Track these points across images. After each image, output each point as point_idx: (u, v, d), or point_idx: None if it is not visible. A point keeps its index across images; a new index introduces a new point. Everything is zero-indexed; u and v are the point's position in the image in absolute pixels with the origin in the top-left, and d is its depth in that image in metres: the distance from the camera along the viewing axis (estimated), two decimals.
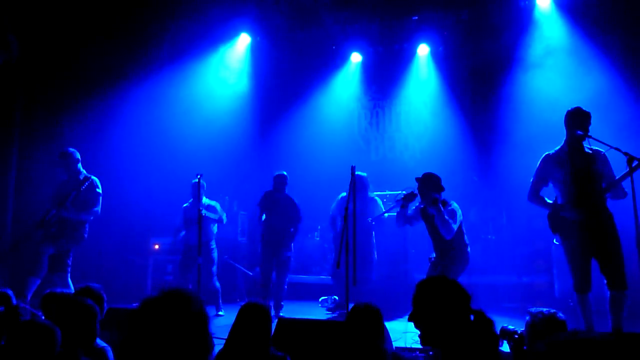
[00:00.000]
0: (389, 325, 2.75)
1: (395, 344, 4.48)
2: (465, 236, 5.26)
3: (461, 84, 9.07)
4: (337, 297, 6.90)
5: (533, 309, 2.62)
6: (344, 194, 6.98)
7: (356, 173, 6.75)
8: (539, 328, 2.50)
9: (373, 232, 7.04)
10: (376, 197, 7.16)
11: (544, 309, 2.59)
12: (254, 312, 2.88)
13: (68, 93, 7.56)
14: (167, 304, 1.53)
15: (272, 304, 6.74)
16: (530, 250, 7.38)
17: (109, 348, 2.92)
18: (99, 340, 2.97)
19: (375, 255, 7.04)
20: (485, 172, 8.12)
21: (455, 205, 5.15)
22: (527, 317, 2.61)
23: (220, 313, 6.89)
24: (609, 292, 4.26)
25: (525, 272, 7.27)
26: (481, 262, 7.97)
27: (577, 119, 4.44)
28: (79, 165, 5.88)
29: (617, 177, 4.33)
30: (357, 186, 6.52)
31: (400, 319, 6.26)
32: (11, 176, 7.33)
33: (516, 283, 7.26)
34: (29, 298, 5.33)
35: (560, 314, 2.57)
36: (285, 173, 7.05)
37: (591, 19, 7.51)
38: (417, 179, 5.24)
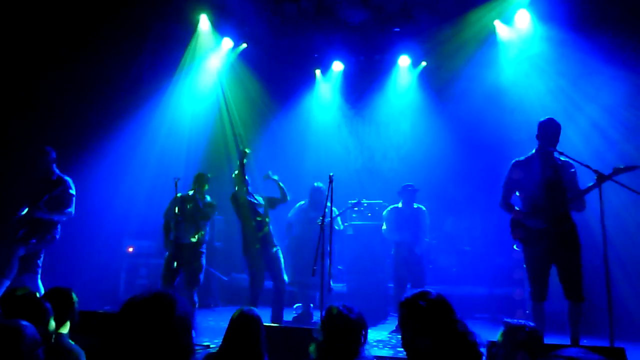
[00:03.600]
0: None
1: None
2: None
3: (441, 95, 9.18)
4: (300, 305, 6.77)
5: (513, 321, 2.68)
6: (302, 202, 6.98)
7: (315, 184, 6.77)
8: (518, 340, 2.58)
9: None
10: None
11: (525, 324, 2.65)
12: (247, 321, 2.78)
13: (44, 93, 7.42)
14: (150, 307, 1.50)
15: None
16: (504, 261, 7.46)
17: (82, 352, 2.85)
18: (72, 344, 2.91)
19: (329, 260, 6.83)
20: (462, 183, 8.20)
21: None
22: (504, 328, 2.67)
23: None
24: (568, 302, 4.31)
25: (498, 283, 7.34)
26: (455, 273, 8.07)
27: (548, 130, 4.49)
28: (54, 165, 5.78)
29: (582, 189, 4.37)
30: (317, 197, 6.53)
31: (373, 328, 6.22)
32: None
33: (489, 294, 7.33)
34: None
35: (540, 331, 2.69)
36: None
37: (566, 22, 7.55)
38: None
